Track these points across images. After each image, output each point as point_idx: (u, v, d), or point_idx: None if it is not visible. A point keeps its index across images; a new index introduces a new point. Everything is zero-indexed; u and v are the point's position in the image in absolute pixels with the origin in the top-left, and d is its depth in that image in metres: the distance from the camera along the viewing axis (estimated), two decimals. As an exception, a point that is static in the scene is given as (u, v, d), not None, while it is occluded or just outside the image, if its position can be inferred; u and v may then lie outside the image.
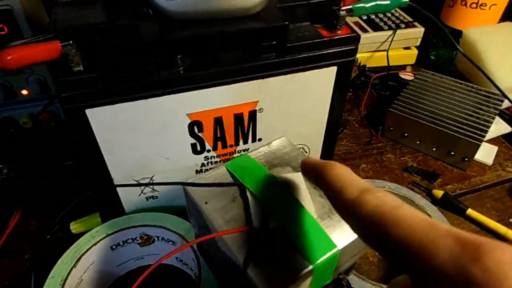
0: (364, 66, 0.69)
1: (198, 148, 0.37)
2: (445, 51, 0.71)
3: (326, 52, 0.34)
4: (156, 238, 0.38)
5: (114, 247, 0.37)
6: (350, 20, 0.72)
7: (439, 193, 0.48)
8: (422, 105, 0.54)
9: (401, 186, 0.40)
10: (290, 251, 0.24)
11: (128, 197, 0.38)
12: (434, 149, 0.53)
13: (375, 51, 0.70)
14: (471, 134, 0.49)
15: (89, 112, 0.30)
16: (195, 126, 0.35)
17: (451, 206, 0.47)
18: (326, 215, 0.27)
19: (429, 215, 0.38)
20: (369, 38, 0.68)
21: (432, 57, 0.72)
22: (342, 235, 0.25)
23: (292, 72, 0.34)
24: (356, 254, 0.28)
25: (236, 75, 0.32)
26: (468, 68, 0.62)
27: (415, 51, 0.71)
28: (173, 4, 0.28)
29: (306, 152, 0.42)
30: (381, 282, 0.34)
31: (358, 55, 0.69)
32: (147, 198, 0.39)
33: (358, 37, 0.34)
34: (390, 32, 0.68)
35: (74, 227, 0.43)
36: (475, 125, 0.50)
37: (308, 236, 0.25)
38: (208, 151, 0.37)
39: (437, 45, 0.71)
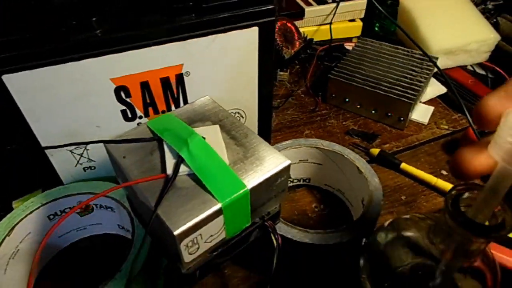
0: (311, 39, 0.70)
1: (129, 115, 0.37)
2: (388, 22, 0.73)
3: (244, 12, 0.35)
4: (94, 206, 0.38)
5: (51, 217, 0.37)
6: (295, -5, 0.73)
7: (375, 151, 0.50)
8: (361, 70, 0.56)
9: (333, 143, 0.42)
10: (201, 193, 0.25)
11: (64, 169, 0.39)
12: (373, 111, 0.55)
13: (321, 24, 0.72)
14: (404, 94, 0.52)
15: (6, 78, 0.30)
16: (121, 92, 0.35)
17: (386, 162, 0.49)
18: (240, 161, 0.28)
19: (358, 167, 0.40)
20: (313, 11, 0.70)
21: (377, 29, 0.75)
22: (253, 177, 0.27)
23: (213, 33, 0.35)
24: (273, 198, 0.29)
25: (156, 37, 0.33)
26: (405, 36, 0.64)
27: (359, 23, 0.74)
28: (80, -35, 0.29)
29: (243, 117, 0.44)
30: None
31: (304, 29, 0.71)
32: (84, 169, 0.40)
33: (274, -4, 0.35)
34: (334, 5, 0.70)
35: (17, 205, 0.43)
36: (408, 85, 0.53)
37: (219, 179, 0.26)
38: (140, 117, 0.38)
39: (380, 16, 0.73)
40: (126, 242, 0.40)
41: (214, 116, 0.32)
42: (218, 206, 0.25)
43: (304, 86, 0.63)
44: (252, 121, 0.45)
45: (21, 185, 0.45)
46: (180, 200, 0.25)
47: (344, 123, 0.56)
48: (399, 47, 0.60)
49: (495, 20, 0.67)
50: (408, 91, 0.52)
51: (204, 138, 0.29)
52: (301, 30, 0.69)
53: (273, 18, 0.36)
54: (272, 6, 0.36)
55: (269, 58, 0.39)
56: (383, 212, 0.44)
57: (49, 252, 0.39)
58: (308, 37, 0.70)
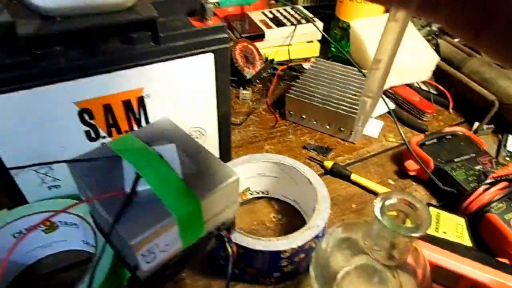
0: (272, 60, 0.75)
1: (93, 135, 0.39)
2: (343, 43, 0.79)
3: (198, 40, 0.38)
4: (59, 223, 0.40)
5: (16, 235, 0.38)
6: (256, 18, 0.78)
7: (329, 163, 0.54)
8: (315, 89, 0.61)
9: (286, 157, 0.46)
10: (157, 207, 0.28)
11: (29, 187, 0.40)
12: (327, 126, 0.60)
13: (281, 45, 0.77)
14: (353, 110, 0.56)
15: (-28, 103, 0.32)
16: (85, 114, 0.38)
17: (339, 173, 0.53)
18: (193, 176, 0.31)
19: (308, 179, 0.44)
20: (273, 33, 0.74)
21: (333, 49, 0.80)
22: (205, 190, 0.30)
23: (171, 59, 0.38)
24: (225, 209, 0.32)
25: (116, 64, 0.36)
26: (357, 57, 0.70)
27: (317, 44, 0.79)
28: (43, 2, 0.31)
29: (203, 135, 0.47)
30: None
31: (265, 51, 0.75)
32: (49, 188, 0.41)
33: (225, 26, 0.39)
34: (293, 27, 0.75)
35: (-19, 225, 0.44)
36: (357, 101, 0.58)
37: (173, 193, 0.29)
38: (104, 137, 0.40)
39: (335, 38, 0.79)
40: (90, 257, 0.42)
41: (172, 135, 0.35)
42: (172, 217, 0.27)
43: (265, 104, 0.67)
44: (212, 138, 0.48)
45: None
46: (137, 214, 0.27)
47: (301, 138, 0.60)
48: (350, 67, 0.65)
49: (436, 42, 0.74)
50: (357, 107, 0.57)
51: (161, 156, 0.31)
52: (262, 51, 0.74)
53: (227, 45, 0.40)
54: (225, 35, 0.39)
55: (225, 80, 0.43)
56: (335, 220, 0.48)
57: (15, 269, 0.40)
58: (268, 58, 0.74)
